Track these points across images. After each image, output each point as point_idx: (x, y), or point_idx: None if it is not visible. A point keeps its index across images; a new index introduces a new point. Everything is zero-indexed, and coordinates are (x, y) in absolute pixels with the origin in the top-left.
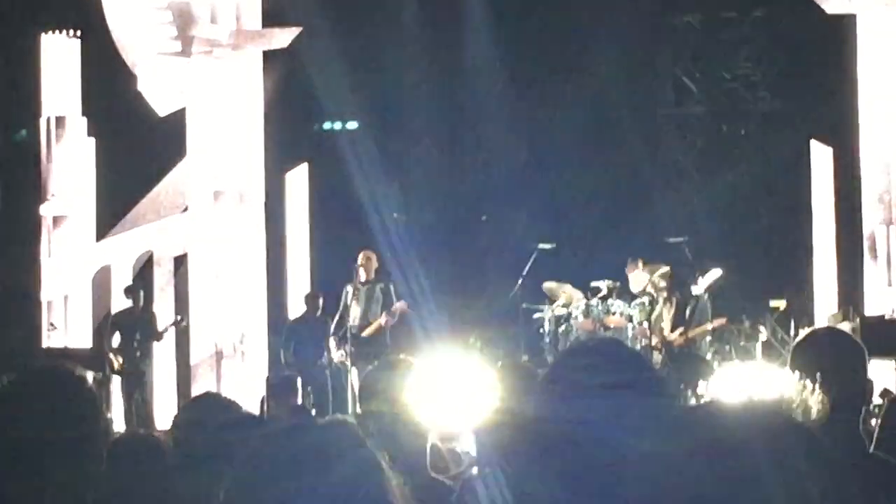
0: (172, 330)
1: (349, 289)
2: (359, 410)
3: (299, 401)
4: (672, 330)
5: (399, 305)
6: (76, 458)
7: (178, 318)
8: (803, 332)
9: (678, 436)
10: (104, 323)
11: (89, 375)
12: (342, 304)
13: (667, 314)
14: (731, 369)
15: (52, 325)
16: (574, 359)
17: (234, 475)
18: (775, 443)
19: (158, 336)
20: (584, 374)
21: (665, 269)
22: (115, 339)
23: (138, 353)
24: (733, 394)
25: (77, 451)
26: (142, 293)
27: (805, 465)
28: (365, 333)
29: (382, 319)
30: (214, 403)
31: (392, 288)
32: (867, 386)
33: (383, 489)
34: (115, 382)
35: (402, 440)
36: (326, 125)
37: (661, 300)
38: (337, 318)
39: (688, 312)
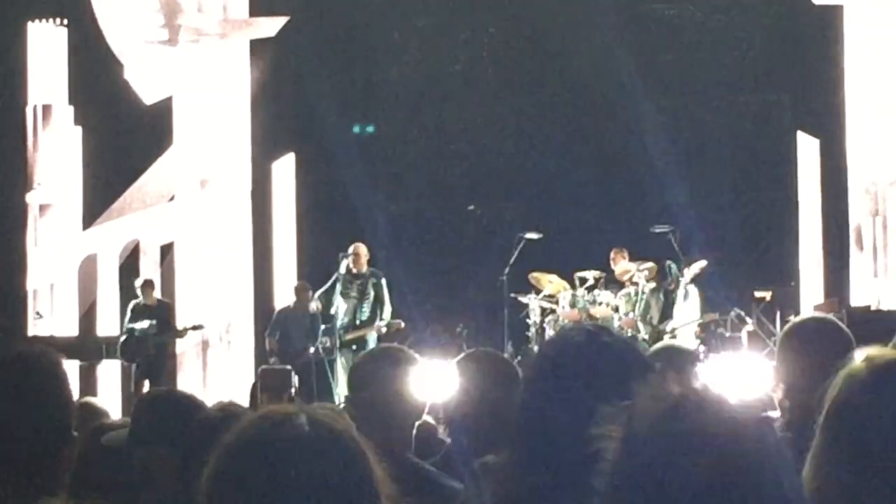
0: (192, 332)
1: (337, 280)
2: (347, 394)
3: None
4: (660, 321)
5: (394, 324)
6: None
7: (200, 324)
8: (791, 321)
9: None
10: (122, 312)
11: (74, 363)
12: (331, 294)
13: (655, 305)
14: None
15: (38, 313)
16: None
17: (217, 460)
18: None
19: (179, 333)
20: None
21: (650, 264)
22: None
23: (152, 345)
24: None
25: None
26: (156, 286)
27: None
28: (350, 337)
29: (374, 329)
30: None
31: (384, 282)
32: None
33: (368, 477)
34: (101, 369)
35: (390, 427)
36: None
37: (648, 291)
38: (324, 308)
39: (677, 305)
